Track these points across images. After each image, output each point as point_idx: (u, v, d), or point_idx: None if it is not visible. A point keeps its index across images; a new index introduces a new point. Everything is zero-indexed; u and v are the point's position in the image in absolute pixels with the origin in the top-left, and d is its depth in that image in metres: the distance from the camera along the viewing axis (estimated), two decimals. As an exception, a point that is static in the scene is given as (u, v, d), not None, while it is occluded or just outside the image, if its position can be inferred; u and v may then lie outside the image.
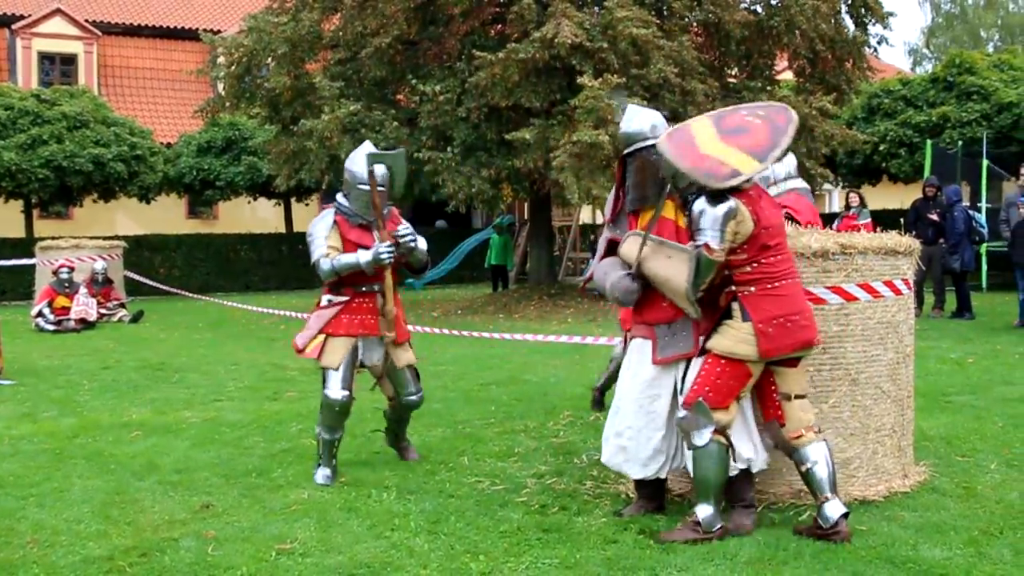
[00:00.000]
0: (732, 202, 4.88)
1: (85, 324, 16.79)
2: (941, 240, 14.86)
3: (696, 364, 5.12)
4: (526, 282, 22.80)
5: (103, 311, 17.74)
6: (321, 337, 6.35)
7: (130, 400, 9.56)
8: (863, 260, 5.60)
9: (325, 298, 6.46)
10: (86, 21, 31.49)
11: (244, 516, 5.62)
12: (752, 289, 4.96)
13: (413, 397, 6.65)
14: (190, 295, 21.47)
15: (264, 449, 7.29)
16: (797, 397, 5.11)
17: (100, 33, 31.64)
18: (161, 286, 22.49)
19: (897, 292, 5.76)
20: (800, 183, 7.07)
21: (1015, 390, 8.88)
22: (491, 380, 10.18)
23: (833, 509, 4.94)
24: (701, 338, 5.14)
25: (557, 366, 10.96)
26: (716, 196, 4.89)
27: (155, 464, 6.89)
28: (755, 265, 4.96)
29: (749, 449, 5.18)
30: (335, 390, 6.30)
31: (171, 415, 8.70)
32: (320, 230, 6.41)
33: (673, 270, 5.01)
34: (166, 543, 5.15)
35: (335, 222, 6.41)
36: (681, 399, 5.14)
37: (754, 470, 5.22)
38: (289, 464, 6.78)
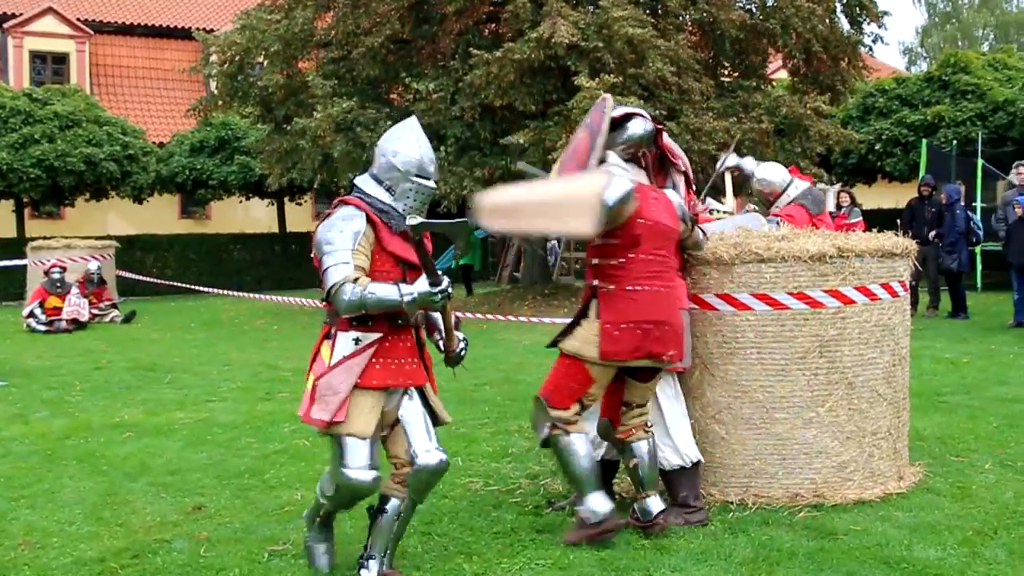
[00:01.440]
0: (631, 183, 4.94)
1: (77, 324, 16.72)
2: (937, 239, 14.86)
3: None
4: (519, 282, 22.77)
5: (95, 311, 17.69)
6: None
7: (122, 401, 9.52)
8: (860, 263, 5.58)
9: (348, 337, 4.40)
10: (78, 20, 31.38)
11: (237, 517, 5.60)
12: (612, 287, 4.96)
13: (442, 455, 4.54)
14: (188, 286, 21.36)
15: (257, 450, 7.26)
16: (638, 406, 5.19)
17: (92, 32, 31.54)
18: (155, 280, 22.41)
19: (893, 294, 5.75)
20: (797, 191, 7.11)
21: (1010, 390, 8.88)
22: (485, 380, 10.15)
23: (653, 505, 5.10)
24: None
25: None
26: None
27: (147, 465, 6.87)
28: (622, 260, 4.95)
29: (671, 449, 5.35)
30: (361, 469, 4.34)
31: (163, 416, 8.67)
32: (343, 239, 4.34)
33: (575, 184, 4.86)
34: (158, 544, 5.14)
35: (371, 224, 4.41)
36: None
37: (664, 466, 5.31)
38: (282, 465, 6.76)
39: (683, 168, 5.58)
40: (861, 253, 5.59)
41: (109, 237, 22.46)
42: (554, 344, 5.15)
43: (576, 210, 4.67)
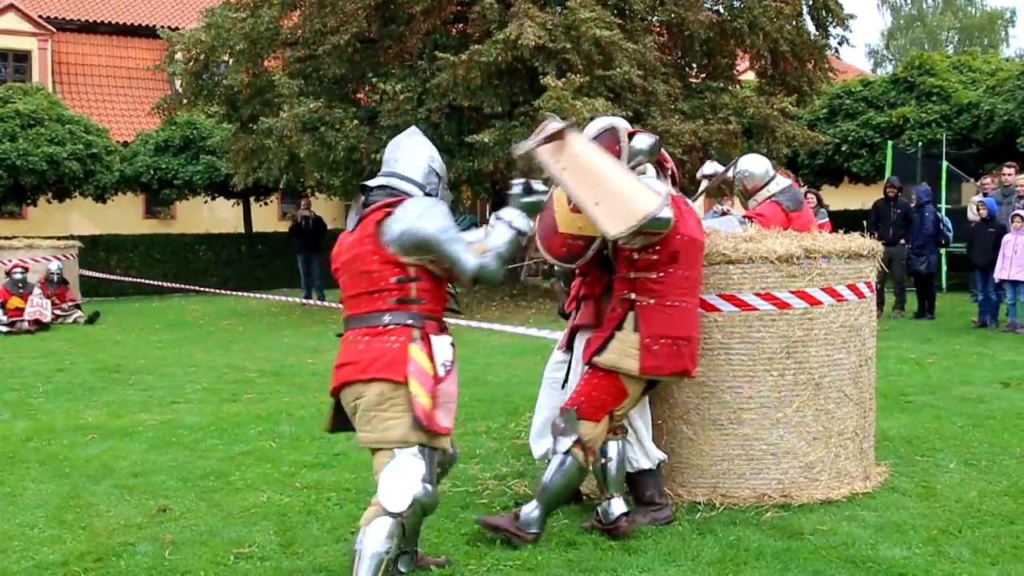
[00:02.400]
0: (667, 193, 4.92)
1: (39, 325, 16.53)
2: (903, 241, 14.96)
3: (579, 374, 5.24)
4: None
5: (58, 312, 17.50)
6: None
7: (85, 403, 9.41)
8: (826, 264, 5.61)
9: (445, 342, 4.34)
10: (40, 17, 31.05)
11: (202, 520, 5.55)
12: (651, 301, 4.95)
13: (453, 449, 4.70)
14: (154, 282, 21.22)
15: (222, 452, 7.20)
16: (616, 418, 5.19)
17: (55, 30, 31.22)
18: (119, 279, 22.21)
19: (860, 295, 5.78)
20: (778, 187, 7.09)
21: (974, 390, 8.96)
22: (452, 381, 10.12)
23: (616, 507, 5.08)
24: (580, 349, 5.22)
25: (519, 367, 10.92)
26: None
27: (111, 467, 6.79)
28: (661, 275, 4.95)
29: (641, 452, 5.36)
30: (431, 484, 4.23)
31: (127, 418, 8.58)
32: (450, 221, 4.23)
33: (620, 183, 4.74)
34: (122, 548, 5.08)
35: None
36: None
37: (632, 468, 5.31)
38: (248, 467, 6.71)
39: (671, 171, 5.61)
40: (828, 254, 5.62)
41: (72, 237, 22.22)
42: (589, 362, 5.05)
43: (619, 210, 4.61)
